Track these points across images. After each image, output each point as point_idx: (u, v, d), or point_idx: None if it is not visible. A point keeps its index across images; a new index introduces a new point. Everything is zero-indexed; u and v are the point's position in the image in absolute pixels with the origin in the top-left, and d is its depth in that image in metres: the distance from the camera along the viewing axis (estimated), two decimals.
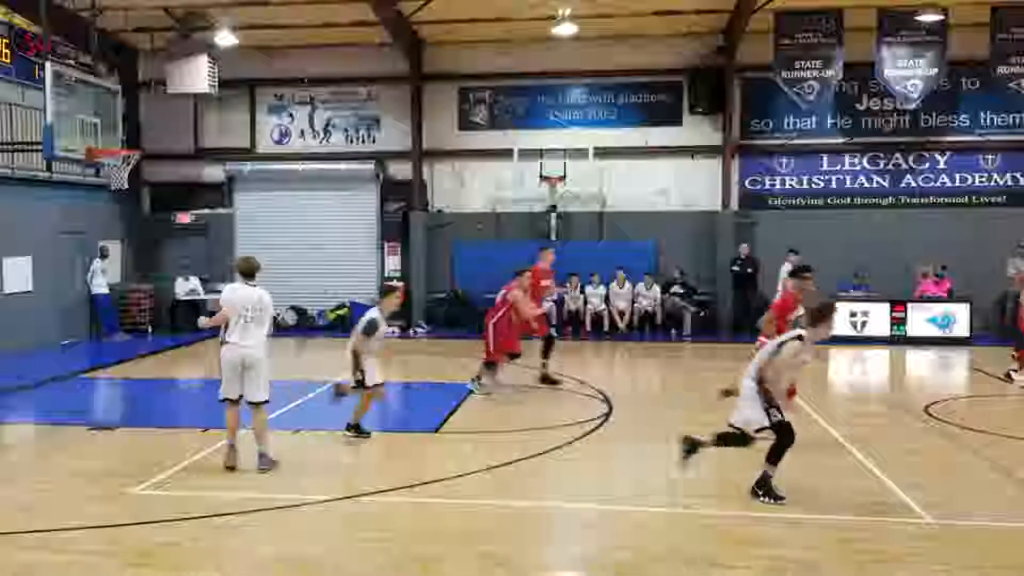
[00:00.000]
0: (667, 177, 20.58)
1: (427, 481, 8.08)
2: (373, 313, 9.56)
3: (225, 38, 19.03)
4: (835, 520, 7.03)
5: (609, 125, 20.74)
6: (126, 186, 18.23)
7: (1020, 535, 6.72)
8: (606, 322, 19.70)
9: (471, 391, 12.41)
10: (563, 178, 20.19)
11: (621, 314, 19.68)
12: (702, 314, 19.71)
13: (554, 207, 20.52)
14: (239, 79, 21.03)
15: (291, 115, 21.97)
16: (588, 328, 19.70)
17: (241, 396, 8.44)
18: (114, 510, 7.29)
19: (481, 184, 21.20)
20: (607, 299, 19.90)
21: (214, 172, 22.00)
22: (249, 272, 8.73)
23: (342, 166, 21.59)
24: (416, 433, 10.35)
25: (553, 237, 20.26)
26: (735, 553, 6.34)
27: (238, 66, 20.42)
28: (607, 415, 11.14)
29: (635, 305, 19.78)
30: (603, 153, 20.18)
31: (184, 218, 21.97)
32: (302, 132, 21.95)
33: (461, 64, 21.09)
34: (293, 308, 21.29)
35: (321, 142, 21.88)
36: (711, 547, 6.51)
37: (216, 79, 19.41)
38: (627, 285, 19.86)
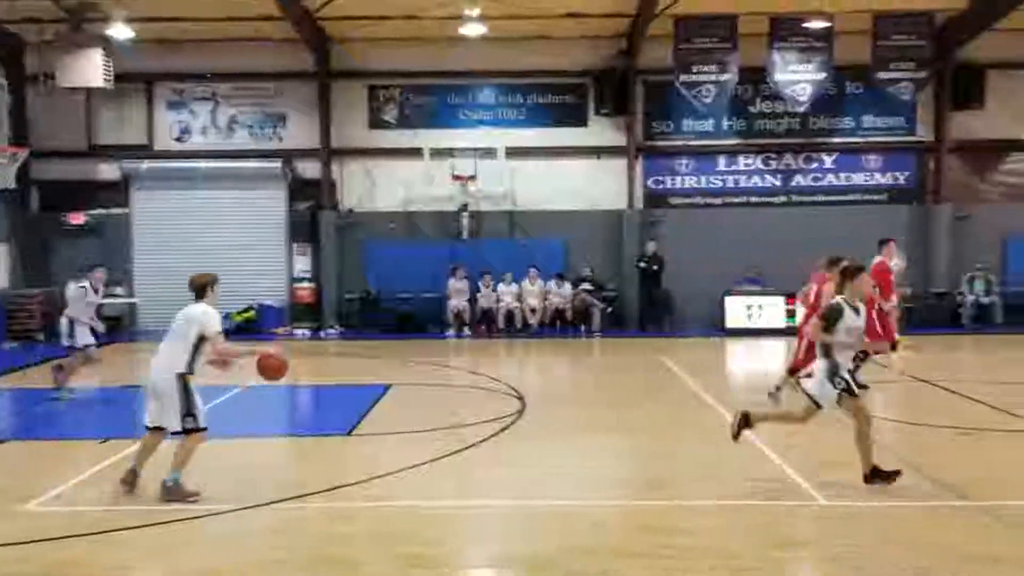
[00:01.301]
0: (575, 177, 21.19)
1: (341, 485, 7.94)
2: None
3: (120, 30, 18.59)
4: (740, 505, 7.50)
5: (519, 125, 21.22)
6: (13, 185, 17.65)
7: (910, 513, 7.33)
8: (518, 319, 20.19)
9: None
10: (474, 177, 20.57)
11: (533, 311, 20.21)
12: (610, 310, 20.41)
13: (465, 206, 20.88)
14: (136, 73, 20.57)
15: (192, 111, 21.65)
16: (501, 326, 20.16)
17: (159, 426, 7.68)
18: (6, 528, 6.90)
19: (392, 183, 21.37)
20: (519, 297, 20.40)
21: (109, 170, 21.41)
22: (193, 290, 7.99)
23: (247, 164, 21.34)
24: (329, 436, 10.26)
25: (465, 236, 20.66)
26: (646, 541, 6.63)
27: (135, 60, 19.85)
28: (520, 412, 11.34)
29: (546, 302, 20.34)
30: (513, 153, 20.64)
31: (76, 219, 21.20)
32: (204, 129, 21.66)
33: (370, 61, 21.19)
34: None
35: (224, 139, 21.64)
36: (623, 537, 6.80)
37: (111, 73, 18.82)
38: (538, 283, 20.40)
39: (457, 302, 20.21)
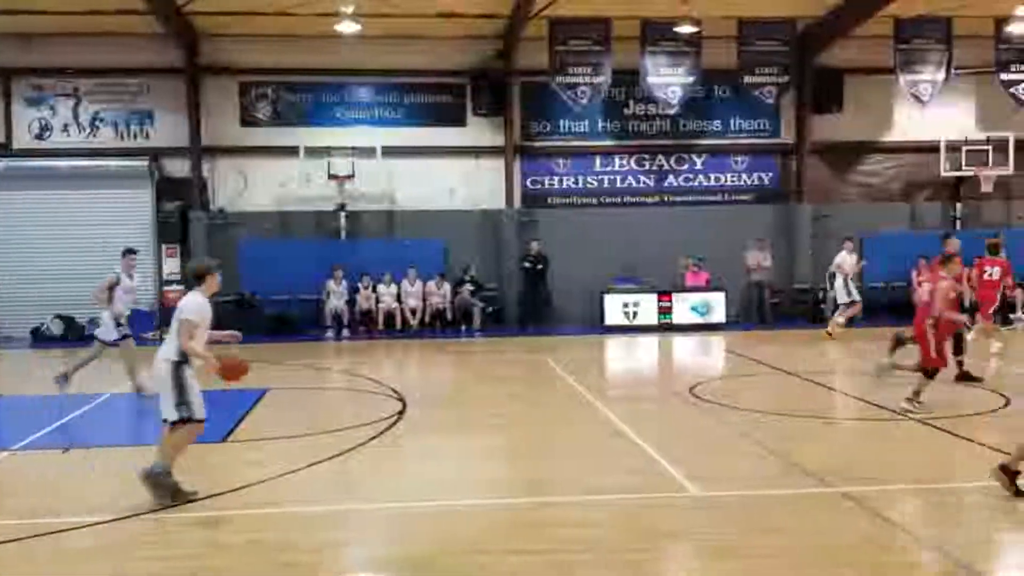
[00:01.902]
0: (454, 177, 21.23)
1: (217, 492, 7.75)
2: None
3: None
4: (615, 499, 7.69)
5: (396, 124, 21.10)
6: None
7: (775, 501, 7.67)
8: (398, 320, 20.07)
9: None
10: (351, 177, 20.34)
11: (413, 312, 20.11)
12: (490, 310, 20.51)
13: (343, 206, 20.63)
14: None
15: (52, 108, 20.72)
16: (380, 327, 19.99)
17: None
18: None
19: (266, 182, 20.93)
20: (399, 297, 20.27)
21: None
22: (192, 278, 8.06)
23: (112, 163, 20.64)
24: (202, 444, 10.04)
25: (343, 236, 20.41)
26: (526, 537, 6.72)
27: None
28: (400, 414, 11.27)
29: (426, 303, 20.28)
30: (391, 152, 20.51)
31: None
32: (65, 126, 20.76)
33: (241, 58, 20.70)
34: (59, 317, 20.01)
35: (88, 137, 20.78)
36: (503, 534, 6.86)
37: None
38: (418, 283, 20.32)
39: (335, 303, 19.94)
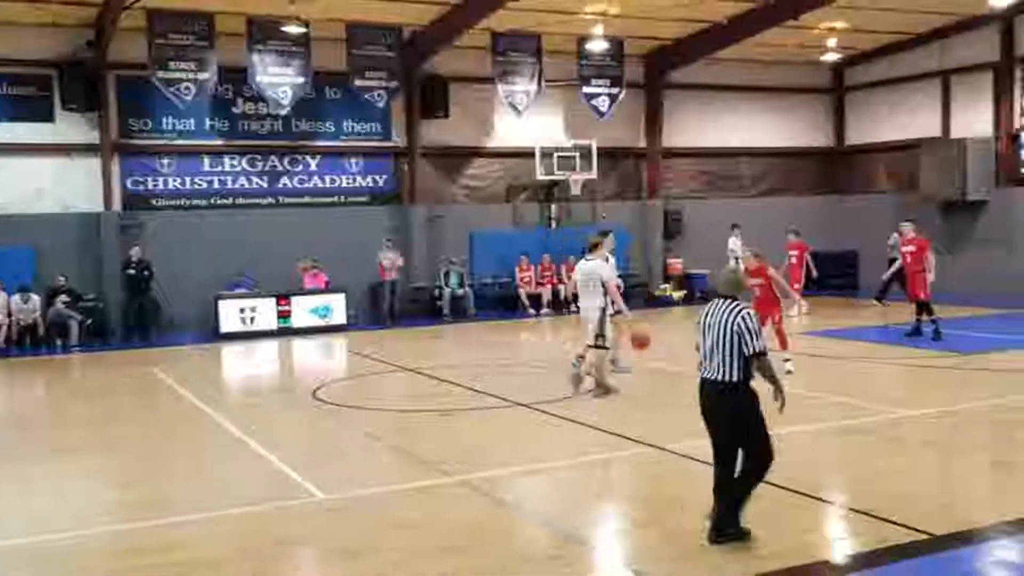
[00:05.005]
0: (43, 177, 19.05)
1: None
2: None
3: None
4: (240, 512, 7.42)
5: None
6: None
7: (400, 496, 7.84)
8: None
9: None
10: None
11: None
12: (90, 322, 18.72)
13: None
14: None
15: None
16: None
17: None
18: None
19: None
20: None
21: None
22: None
23: None
24: None
25: None
26: (137, 563, 6.30)
27: None
28: None
29: (11, 319, 18.00)
30: None
31: None
32: None
33: None
34: None
35: None
36: (109, 563, 6.43)
37: None
38: (2, 296, 17.99)
39: None
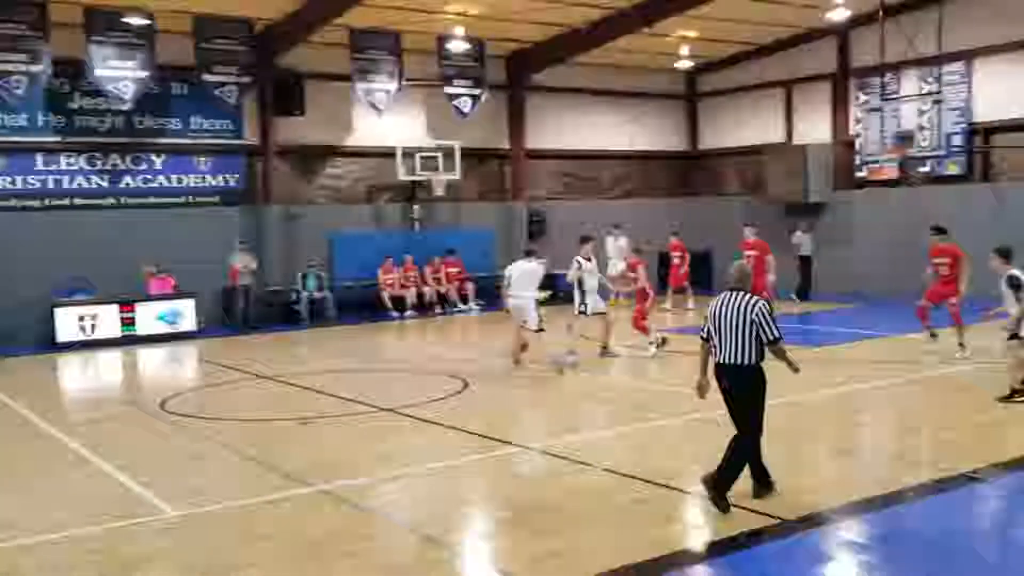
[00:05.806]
0: None
1: None
2: None
3: None
4: (85, 533, 6.88)
5: None
6: None
7: (258, 508, 7.43)
8: None
9: None
10: None
11: None
12: None
13: None
14: None
15: None
16: None
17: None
18: None
19: None
20: None
21: None
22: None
23: None
24: None
25: None
26: None
27: None
28: None
29: None
30: None
31: None
32: None
33: None
34: None
35: None
36: None
37: None
38: None
39: None
